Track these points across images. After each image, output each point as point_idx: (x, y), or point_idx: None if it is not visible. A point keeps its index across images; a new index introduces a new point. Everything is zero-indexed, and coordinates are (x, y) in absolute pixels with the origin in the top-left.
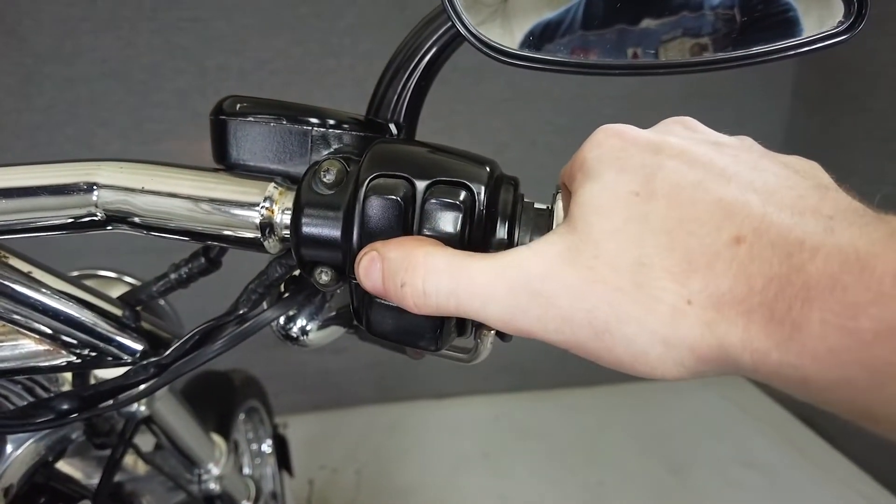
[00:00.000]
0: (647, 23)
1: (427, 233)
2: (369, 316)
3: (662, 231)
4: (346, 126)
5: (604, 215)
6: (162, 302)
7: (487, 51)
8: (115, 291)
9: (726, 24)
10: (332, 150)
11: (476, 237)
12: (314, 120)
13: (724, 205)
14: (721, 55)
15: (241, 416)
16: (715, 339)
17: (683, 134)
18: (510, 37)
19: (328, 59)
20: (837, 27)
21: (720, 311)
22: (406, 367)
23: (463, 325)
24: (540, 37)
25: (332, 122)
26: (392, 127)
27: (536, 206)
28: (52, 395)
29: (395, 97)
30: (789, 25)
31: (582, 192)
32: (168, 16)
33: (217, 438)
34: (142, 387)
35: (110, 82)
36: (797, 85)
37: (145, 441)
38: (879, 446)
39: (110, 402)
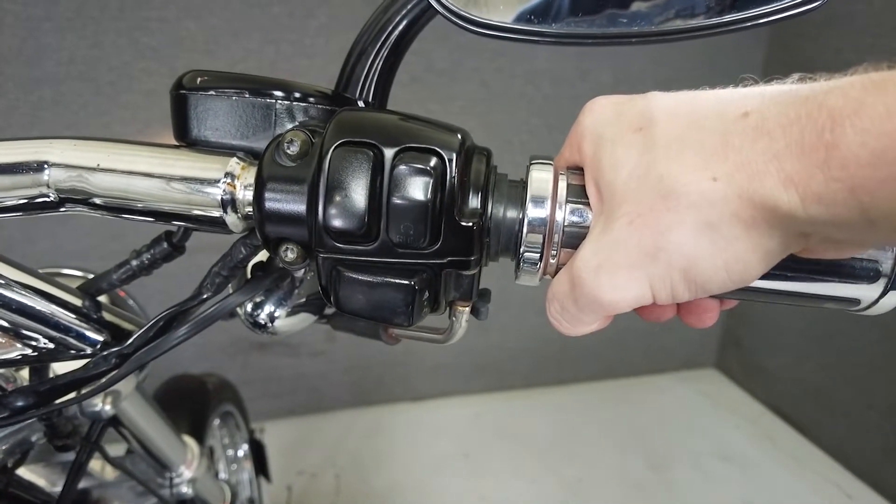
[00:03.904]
0: (637, 6)
1: (396, 200)
2: (338, 292)
3: (672, 141)
4: (311, 99)
5: (618, 166)
6: (131, 301)
7: (459, 21)
8: (76, 285)
9: None
10: (297, 123)
11: (448, 206)
12: (278, 93)
13: (721, 100)
14: (705, 22)
15: (216, 421)
16: (755, 193)
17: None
18: (483, 7)
19: (301, 59)
20: None
21: (746, 169)
22: (384, 370)
23: (436, 300)
24: (517, 9)
25: (297, 94)
26: (361, 104)
27: (510, 178)
28: (4, 392)
29: (364, 74)
30: None
31: (595, 163)
32: (135, 16)
33: (189, 440)
34: (103, 379)
35: (76, 83)
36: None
37: (115, 447)
38: (850, 437)
39: (70, 396)
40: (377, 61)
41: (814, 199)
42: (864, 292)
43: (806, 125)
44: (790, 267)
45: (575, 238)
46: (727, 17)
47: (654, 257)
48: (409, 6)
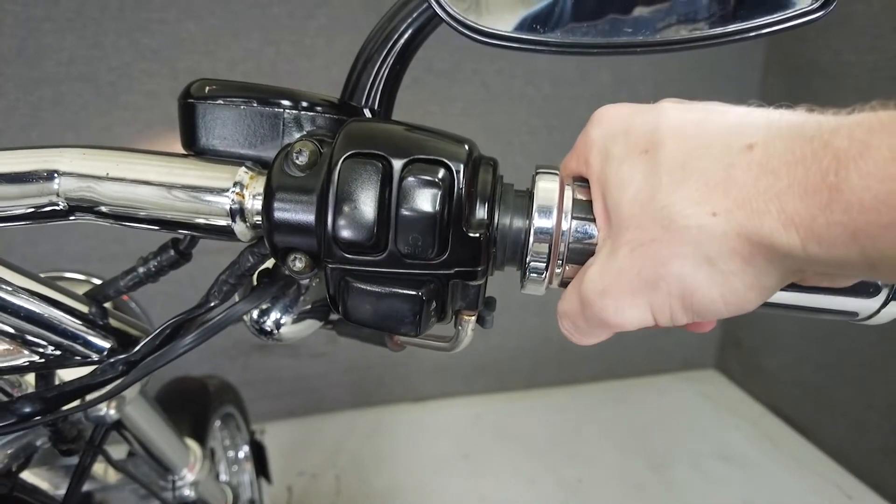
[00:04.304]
0: (639, 11)
1: (405, 211)
2: (347, 302)
3: (675, 168)
4: (319, 108)
5: (623, 188)
6: (134, 305)
7: (464, 30)
8: (82, 291)
9: (720, 3)
10: (304, 132)
11: (455, 217)
12: (286, 102)
13: (729, 127)
14: (708, 32)
15: (217, 423)
16: (753, 232)
17: (674, 101)
18: (487, 17)
19: (301, 61)
20: (812, 4)
21: (746, 207)
22: (384, 371)
23: (443, 310)
24: (520, 18)
25: (304, 104)
26: (367, 112)
27: (516, 189)
28: (11, 398)
29: (370, 82)
30: (771, 3)
31: (602, 180)
32: (135, 17)
33: (192, 443)
34: (109, 386)
35: (76, 84)
36: (764, 85)
37: (117, 450)
38: (850, 437)
39: (76, 403)
40: (383, 69)
41: (814, 241)
42: (864, 305)
43: (810, 165)
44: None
45: (581, 254)
46: (730, 27)
47: (654, 286)
48: (414, 14)
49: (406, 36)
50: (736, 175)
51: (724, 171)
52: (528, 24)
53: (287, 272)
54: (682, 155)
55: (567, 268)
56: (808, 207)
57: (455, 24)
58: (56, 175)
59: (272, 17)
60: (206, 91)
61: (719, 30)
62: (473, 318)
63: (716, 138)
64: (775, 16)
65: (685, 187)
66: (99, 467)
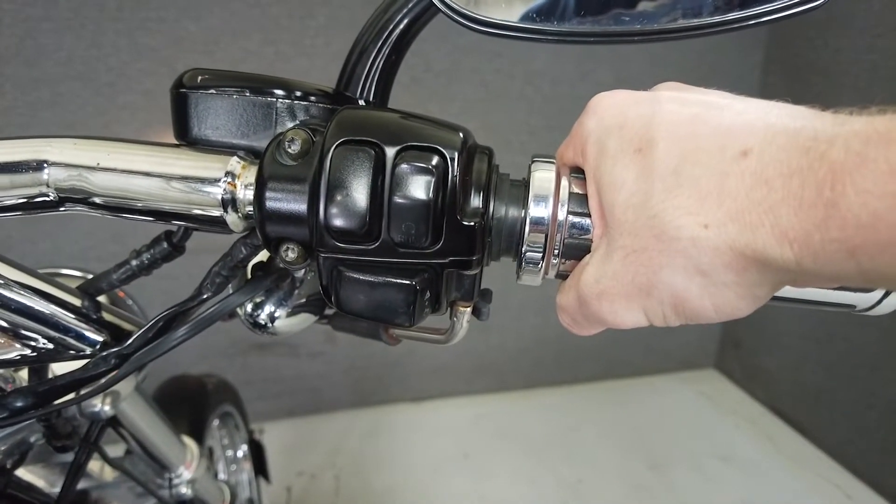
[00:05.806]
0: (639, 4)
1: (398, 199)
2: (339, 292)
3: (668, 173)
4: (313, 98)
5: (617, 188)
6: (131, 302)
7: (461, 20)
8: (76, 285)
9: None
10: (297, 122)
11: (449, 205)
12: (279, 91)
13: (724, 129)
14: (707, 20)
15: (216, 422)
16: (746, 246)
17: (673, 87)
18: (483, 5)
19: (300, 60)
20: None
21: (739, 220)
22: (383, 371)
23: (438, 300)
24: (516, 7)
25: (298, 93)
26: (362, 103)
27: (512, 178)
28: (4, 392)
29: (365, 72)
30: None
31: (597, 175)
32: (134, 16)
33: (189, 441)
34: (103, 379)
35: (74, 84)
36: (764, 85)
37: (114, 449)
38: (850, 437)
39: (69, 397)
40: (378, 60)
41: (809, 257)
42: (863, 298)
43: (806, 177)
44: None
45: (577, 249)
46: (729, 16)
47: (648, 293)
48: (410, 4)
49: (402, 26)
50: (729, 184)
51: (717, 179)
52: (524, 13)
53: (280, 263)
54: (675, 158)
55: (563, 260)
56: (802, 223)
57: (451, 14)
58: (45, 165)
59: (271, 17)
60: (199, 80)
61: (718, 18)
62: (469, 309)
63: (710, 141)
64: (776, 4)
65: (677, 195)
66: (95, 465)
